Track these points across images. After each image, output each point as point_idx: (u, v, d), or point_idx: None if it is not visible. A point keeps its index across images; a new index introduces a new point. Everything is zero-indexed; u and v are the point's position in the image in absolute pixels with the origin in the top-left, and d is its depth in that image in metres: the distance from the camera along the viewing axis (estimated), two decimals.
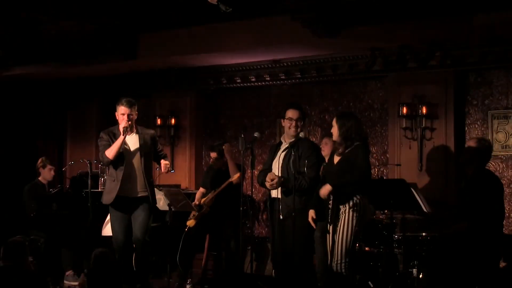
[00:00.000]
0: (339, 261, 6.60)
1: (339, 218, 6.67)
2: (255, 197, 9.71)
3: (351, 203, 6.65)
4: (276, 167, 7.08)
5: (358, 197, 6.66)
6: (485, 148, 6.98)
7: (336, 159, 6.82)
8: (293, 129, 7.14)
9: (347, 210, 6.65)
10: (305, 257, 7.12)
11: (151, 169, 7.78)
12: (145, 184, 7.53)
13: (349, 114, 7.17)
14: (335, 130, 6.84)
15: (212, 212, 8.43)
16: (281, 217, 6.99)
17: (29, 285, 5.76)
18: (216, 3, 7.34)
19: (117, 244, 7.51)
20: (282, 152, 7.14)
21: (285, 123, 7.22)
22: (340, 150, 6.78)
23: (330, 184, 6.63)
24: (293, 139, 7.11)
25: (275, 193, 7.11)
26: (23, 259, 5.96)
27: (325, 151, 7.64)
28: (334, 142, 6.94)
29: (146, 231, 7.47)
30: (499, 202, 6.99)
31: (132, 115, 7.51)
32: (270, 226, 7.64)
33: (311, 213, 6.88)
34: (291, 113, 7.18)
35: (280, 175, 7.02)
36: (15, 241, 6.19)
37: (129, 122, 7.46)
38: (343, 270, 6.59)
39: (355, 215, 6.61)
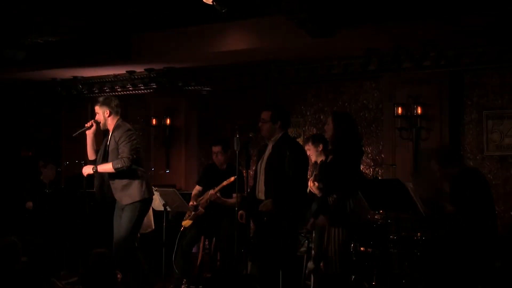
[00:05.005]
0: (333, 262, 6.61)
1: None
2: None
3: None
4: (263, 171, 7.08)
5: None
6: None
7: (329, 158, 6.83)
8: (263, 130, 7.13)
9: None
10: (291, 257, 7.13)
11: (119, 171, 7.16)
12: (121, 185, 7.19)
13: (345, 114, 7.16)
14: (329, 129, 6.84)
15: (207, 213, 8.42)
16: (265, 218, 6.97)
17: (20, 286, 5.73)
18: (212, 3, 7.33)
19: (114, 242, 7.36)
20: (267, 154, 7.14)
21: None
22: (331, 149, 6.80)
23: (324, 215, 6.61)
24: (275, 141, 7.09)
25: (261, 195, 7.11)
26: (14, 260, 5.91)
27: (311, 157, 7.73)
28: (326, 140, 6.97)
29: (122, 235, 7.11)
30: (487, 198, 7.03)
31: (98, 113, 7.30)
32: (254, 227, 7.64)
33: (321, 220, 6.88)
34: (262, 114, 7.17)
35: (264, 178, 6.99)
36: (4, 242, 6.12)
37: (91, 121, 7.28)
38: (338, 270, 6.60)
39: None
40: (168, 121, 11.09)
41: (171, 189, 8.52)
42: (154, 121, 11.09)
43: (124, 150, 7.10)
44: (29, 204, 9.34)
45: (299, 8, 8.14)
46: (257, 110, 7.28)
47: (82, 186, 8.92)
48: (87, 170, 7.22)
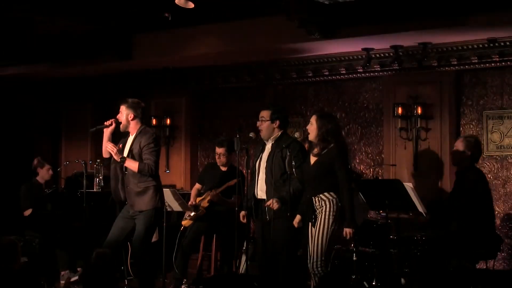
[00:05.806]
0: (315, 261, 6.62)
1: (316, 218, 6.72)
2: None
3: (328, 203, 6.66)
4: (262, 169, 7.10)
5: (335, 196, 6.66)
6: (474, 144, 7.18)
7: (312, 159, 6.83)
8: (262, 129, 7.19)
9: (324, 210, 6.67)
10: (292, 257, 7.14)
11: (141, 175, 7.21)
12: (135, 190, 7.20)
13: (329, 115, 7.18)
14: (313, 129, 6.84)
15: (207, 213, 8.43)
16: (267, 218, 6.99)
17: (20, 286, 5.73)
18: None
19: (106, 241, 7.35)
20: (266, 153, 7.17)
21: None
22: (315, 150, 6.80)
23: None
24: (274, 140, 7.14)
25: (260, 194, 7.13)
26: (14, 260, 5.91)
27: None
28: (310, 141, 6.94)
29: (140, 242, 7.16)
30: (487, 199, 7.04)
31: (121, 113, 7.32)
32: (255, 227, 7.66)
33: (297, 218, 6.93)
34: (261, 113, 7.23)
35: (264, 177, 7.04)
36: (4, 242, 6.12)
37: (111, 120, 7.30)
38: (319, 270, 6.61)
39: (331, 214, 6.63)
40: (168, 121, 11.09)
41: (172, 189, 8.52)
42: (154, 121, 11.07)
43: (151, 157, 7.14)
44: (28, 212, 9.30)
45: (299, 8, 8.14)
46: (257, 110, 7.33)
47: (82, 186, 8.92)
48: (114, 153, 7.14)
